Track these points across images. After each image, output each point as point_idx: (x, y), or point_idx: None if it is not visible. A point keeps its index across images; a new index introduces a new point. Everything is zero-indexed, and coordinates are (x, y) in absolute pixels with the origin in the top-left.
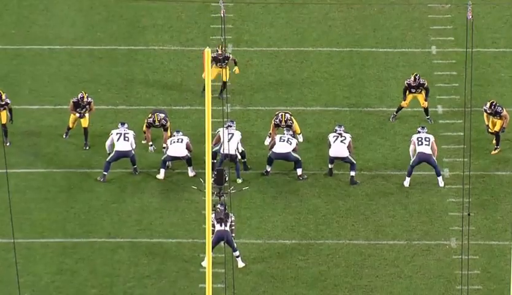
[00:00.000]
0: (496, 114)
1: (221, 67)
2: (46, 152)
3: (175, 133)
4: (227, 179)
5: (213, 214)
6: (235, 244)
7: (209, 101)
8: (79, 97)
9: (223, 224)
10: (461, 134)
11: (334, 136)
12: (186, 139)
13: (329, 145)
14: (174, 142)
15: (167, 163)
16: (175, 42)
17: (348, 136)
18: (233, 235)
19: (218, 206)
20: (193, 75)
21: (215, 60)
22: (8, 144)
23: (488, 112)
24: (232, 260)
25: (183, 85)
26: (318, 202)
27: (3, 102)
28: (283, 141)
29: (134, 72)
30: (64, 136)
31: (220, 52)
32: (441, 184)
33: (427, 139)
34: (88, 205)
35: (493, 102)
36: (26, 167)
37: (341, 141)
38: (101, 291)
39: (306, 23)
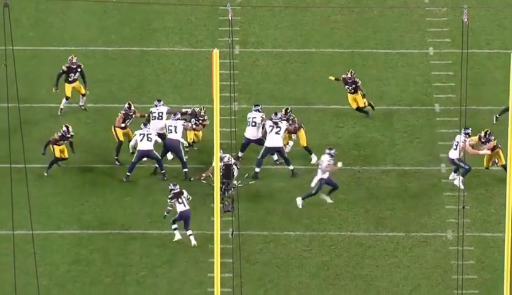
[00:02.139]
0: (488, 141)
1: None
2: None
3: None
4: (235, 173)
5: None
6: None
7: (217, 99)
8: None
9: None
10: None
11: (270, 126)
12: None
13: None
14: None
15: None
16: (185, 43)
17: (284, 125)
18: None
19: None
20: (202, 75)
21: None
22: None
23: (482, 140)
24: (239, 250)
25: (193, 85)
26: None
27: (69, 135)
28: (249, 124)
29: (145, 72)
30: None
31: None
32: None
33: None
34: (102, 199)
35: (487, 131)
36: (44, 163)
37: (276, 133)
38: (115, 279)
39: (309, 26)
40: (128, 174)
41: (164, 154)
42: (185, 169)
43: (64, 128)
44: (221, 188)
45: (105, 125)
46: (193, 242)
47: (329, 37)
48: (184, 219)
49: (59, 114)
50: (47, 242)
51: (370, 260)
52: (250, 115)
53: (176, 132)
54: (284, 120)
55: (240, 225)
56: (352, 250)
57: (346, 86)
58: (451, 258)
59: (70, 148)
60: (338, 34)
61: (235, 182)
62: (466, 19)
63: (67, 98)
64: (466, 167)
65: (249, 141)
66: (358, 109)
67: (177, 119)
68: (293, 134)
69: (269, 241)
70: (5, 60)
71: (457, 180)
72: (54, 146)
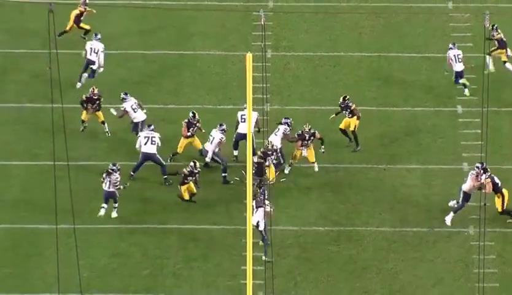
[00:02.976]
0: (485, 171)
1: None
2: (103, 146)
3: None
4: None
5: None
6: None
7: (250, 100)
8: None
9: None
10: (479, 131)
11: (242, 115)
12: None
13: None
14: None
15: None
16: (219, 47)
17: (282, 128)
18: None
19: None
20: (236, 77)
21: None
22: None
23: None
24: (271, 245)
25: (227, 87)
26: (348, 193)
27: (196, 171)
28: (244, 120)
29: (182, 74)
30: None
31: None
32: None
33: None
34: (141, 195)
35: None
36: (84, 160)
37: (275, 134)
38: (152, 272)
39: (338, 31)
40: (132, 173)
41: (142, 162)
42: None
43: (192, 163)
44: (253, 184)
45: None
46: (101, 213)
47: (357, 42)
48: (105, 198)
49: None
50: (88, 236)
51: (395, 255)
52: (241, 113)
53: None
54: (284, 123)
55: (272, 221)
56: (377, 244)
57: (343, 112)
58: (473, 253)
59: (195, 184)
60: (365, 38)
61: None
62: (488, 25)
63: (83, 122)
64: (460, 203)
65: (241, 137)
66: (342, 130)
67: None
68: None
69: (298, 236)
70: (49, 63)
71: (449, 216)
72: (182, 187)
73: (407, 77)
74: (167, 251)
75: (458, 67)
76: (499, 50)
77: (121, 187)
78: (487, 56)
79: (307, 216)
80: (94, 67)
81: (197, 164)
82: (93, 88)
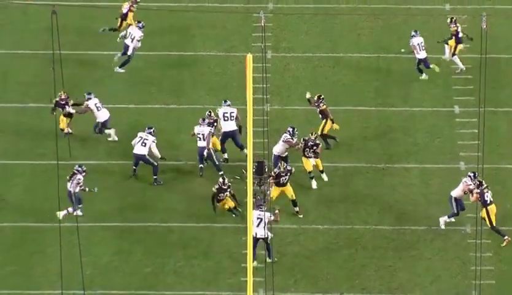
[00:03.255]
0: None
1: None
2: (106, 146)
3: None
4: (266, 170)
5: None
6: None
7: (251, 101)
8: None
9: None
10: (476, 131)
11: (224, 113)
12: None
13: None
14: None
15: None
16: (220, 48)
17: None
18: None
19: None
20: (236, 78)
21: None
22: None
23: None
24: (271, 243)
25: (228, 87)
26: (347, 191)
27: (225, 187)
28: (227, 118)
29: (184, 75)
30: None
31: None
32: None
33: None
34: (143, 193)
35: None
36: (88, 159)
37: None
38: (154, 269)
39: (337, 32)
40: (131, 174)
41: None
42: (155, 177)
43: (220, 180)
44: (253, 183)
45: (147, 124)
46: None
47: (356, 43)
48: (69, 197)
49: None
50: (91, 234)
51: (393, 252)
52: (223, 111)
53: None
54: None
55: (278, 222)
56: (376, 243)
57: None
58: (469, 250)
59: (233, 199)
60: (364, 39)
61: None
62: (485, 26)
63: (62, 129)
64: (455, 211)
65: (227, 135)
66: (322, 135)
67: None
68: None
69: (298, 234)
70: (52, 64)
71: (443, 218)
72: (218, 205)
73: (405, 77)
74: (168, 249)
75: (422, 54)
76: (452, 42)
77: (86, 189)
78: (445, 45)
79: (307, 215)
80: (129, 52)
81: (226, 180)
82: (62, 93)
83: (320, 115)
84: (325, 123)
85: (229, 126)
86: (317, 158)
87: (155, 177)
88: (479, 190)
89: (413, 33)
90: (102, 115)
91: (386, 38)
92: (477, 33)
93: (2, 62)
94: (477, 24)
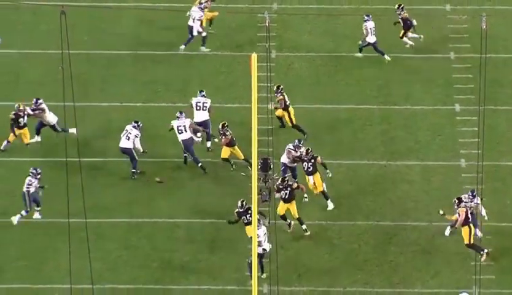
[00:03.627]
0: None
1: None
2: (114, 144)
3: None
4: (271, 166)
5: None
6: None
7: (255, 99)
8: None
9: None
10: (476, 129)
11: (197, 102)
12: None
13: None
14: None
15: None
16: (226, 48)
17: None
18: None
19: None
20: (241, 77)
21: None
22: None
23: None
24: (275, 238)
25: (233, 86)
26: (350, 188)
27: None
28: (199, 108)
29: (190, 74)
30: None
31: None
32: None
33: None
34: (150, 189)
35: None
36: (96, 156)
37: (203, 110)
38: (161, 264)
39: (340, 32)
40: (133, 170)
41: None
42: (133, 170)
43: (239, 204)
44: (259, 180)
45: (153, 122)
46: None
47: (358, 43)
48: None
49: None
50: (100, 230)
51: (395, 248)
52: (196, 100)
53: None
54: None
55: (276, 215)
56: (378, 238)
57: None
58: None
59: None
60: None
61: (275, 175)
62: (484, 26)
63: (8, 142)
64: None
65: (200, 125)
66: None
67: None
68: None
69: (302, 230)
70: (61, 63)
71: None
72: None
73: (407, 77)
74: (175, 244)
75: (372, 39)
76: (404, 29)
77: (40, 193)
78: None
79: (311, 210)
80: (194, 33)
81: (244, 202)
82: (18, 105)
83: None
84: (289, 114)
85: (201, 116)
86: (315, 173)
87: (133, 170)
88: (465, 210)
89: (366, 18)
90: (51, 118)
91: (388, 38)
92: (477, 33)
93: (13, 62)
94: (477, 24)
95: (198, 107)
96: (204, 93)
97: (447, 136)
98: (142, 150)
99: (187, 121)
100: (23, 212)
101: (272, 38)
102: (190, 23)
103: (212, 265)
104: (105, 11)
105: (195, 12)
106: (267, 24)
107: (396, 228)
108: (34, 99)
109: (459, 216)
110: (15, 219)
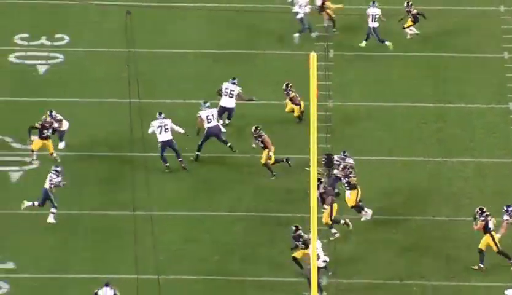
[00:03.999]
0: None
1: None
2: (177, 140)
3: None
4: (335, 162)
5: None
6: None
7: (314, 96)
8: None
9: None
10: None
11: (226, 88)
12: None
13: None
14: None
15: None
16: (286, 47)
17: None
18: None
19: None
20: (300, 75)
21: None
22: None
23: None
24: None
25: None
26: (405, 184)
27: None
28: (226, 94)
29: (251, 72)
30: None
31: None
32: None
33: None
34: (211, 184)
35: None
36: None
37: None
38: (222, 257)
39: (397, 31)
40: (166, 165)
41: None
42: (180, 160)
43: (292, 228)
44: (322, 175)
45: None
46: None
47: (415, 42)
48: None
49: (30, 162)
50: (163, 222)
51: (451, 243)
52: (226, 86)
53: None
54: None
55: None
56: (434, 233)
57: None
58: None
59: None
60: (423, 39)
61: (335, 170)
62: None
63: (32, 151)
64: None
65: (224, 109)
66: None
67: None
68: None
69: (360, 224)
70: (127, 61)
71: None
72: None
73: (462, 75)
74: (235, 237)
75: (373, 24)
76: (411, 23)
77: (61, 184)
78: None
79: (367, 205)
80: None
81: (299, 227)
82: (46, 116)
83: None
84: (299, 108)
85: (228, 102)
86: (352, 189)
87: (180, 160)
88: (483, 218)
89: (370, 4)
90: (67, 125)
91: (443, 38)
92: None
93: (80, 60)
94: None
95: (225, 93)
96: (235, 81)
97: (501, 134)
98: (183, 132)
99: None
100: (53, 210)
101: (330, 37)
102: (297, 9)
103: (272, 258)
104: (169, 12)
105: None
106: (325, 25)
107: (452, 223)
108: (49, 112)
109: (478, 225)
110: (51, 219)
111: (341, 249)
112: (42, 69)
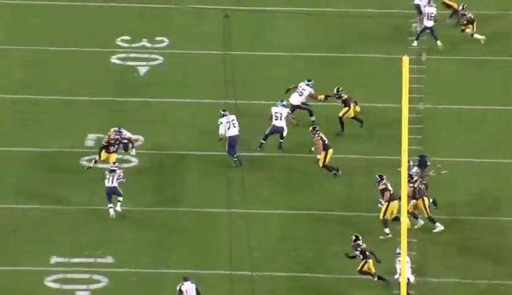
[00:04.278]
0: None
1: None
2: (272, 140)
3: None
4: (428, 163)
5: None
6: None
7: (406, 100)
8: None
9: None
10: None
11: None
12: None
13: None
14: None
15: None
16: (379, 51)
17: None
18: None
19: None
20: (393, 78)
21: None
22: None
23: None
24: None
25: (385, 86)
26: (492, 185)
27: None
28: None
29: (344, 74)
30: None
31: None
32: None
33: None
34: (303, 183)
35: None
36: (255, 151)
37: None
38: (316, 253)
39: (490, 34)
40: (235, 159)
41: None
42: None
43: (353, 237)
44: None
45: (302, 119)
46: (111, 213)
47: (506, 45)
48: (108, 194)
49: (86, 168)
50: (258, 220)
51: None
52: (301, 84)
53: (281, 119)
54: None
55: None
56: None
57: (337, 101)
58: None
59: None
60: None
61: (431, 172)
62: None
63: (95, 161)
64: None
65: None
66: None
67: (283, 106)
68: None
69: (449, 224)
70: (224, 63)
71: None
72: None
73: None
74: (328, 236)
75: (429, 24)
76: (469, 25)
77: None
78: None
79: (458, 206)
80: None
81: (359, 237)
82: (110, 133)
83: (342, 104)
84: (347, 110)
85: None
86: (418, 198)
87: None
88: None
89: (425, 4)
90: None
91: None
92: None
93: (181, 62)
94: None
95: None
96: (310, 83)
97: None
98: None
99: (284, 111)
100: (120, 198)
101: (422, 41)
102: (428, 24)
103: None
104: (264, 15)
105: (430, 10)
106: (417, 29)
107: None
108: (117, 128)
109: None
110: (118, 207)
111: (430, 248)
112: (142, 70)
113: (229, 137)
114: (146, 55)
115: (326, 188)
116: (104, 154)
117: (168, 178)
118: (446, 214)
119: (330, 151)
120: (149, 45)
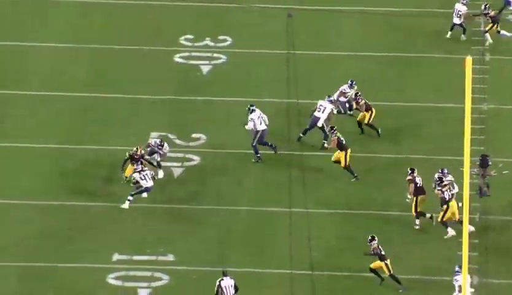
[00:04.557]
0: None
1: None
2: (319, 138)
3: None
4: (489, 163)
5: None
6: None
7: (469, 99)
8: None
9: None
10: None
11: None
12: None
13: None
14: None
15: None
16: (443, 50)
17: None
18: None
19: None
20: (457, 78)
21: None
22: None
23: None
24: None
25: (450, 86)
26: None
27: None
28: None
29: (406, 74)
30: None
31: None
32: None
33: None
34: (365, 183)
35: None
36: (316, 151)
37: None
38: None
39: None
40: (258, 155)
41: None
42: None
43: (370, 238)
44: (477, 176)
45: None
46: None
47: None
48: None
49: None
50: (318, 219)
51: None
52: (344, 87)
53: (323, 112)
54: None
55: (486, 210)
56: None
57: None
58: None
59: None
60: None
61: (492, 172)
62: None
63: (126, 178)
64: None
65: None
66: (358, 122)
67: (330, 101)
68: None
69: (511, 225)
70: (287, 63)
71: None
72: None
73: None
74: (388, 236)
75: (456, 20)
76: (492, 25)
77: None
78: (486, 34)
79: (497, 207)
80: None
81: (375, 237)
82: (137, 148)
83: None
84: (371, 114)
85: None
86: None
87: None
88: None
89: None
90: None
91: None
92: None
93: (243, 61)
94: None
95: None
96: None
97: None
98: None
99: (328, 106)
100: (130, 198)
101: (483, 42)
102: (455, 20)
103: (422, 256)
104: (328, 14)
105: (459, 7)
106: (482, 29)
107: None
108: (159, 141)
109: None
110: (126, 205)
111: (492, 248)
112: (205, 69)
113: (262, 131)
114: (209, 54)
115: (381, 189)
116: (130, 168)
117: (229, 177)
118: (507, 215)
119: (348, 151)
120: (212, 44)
